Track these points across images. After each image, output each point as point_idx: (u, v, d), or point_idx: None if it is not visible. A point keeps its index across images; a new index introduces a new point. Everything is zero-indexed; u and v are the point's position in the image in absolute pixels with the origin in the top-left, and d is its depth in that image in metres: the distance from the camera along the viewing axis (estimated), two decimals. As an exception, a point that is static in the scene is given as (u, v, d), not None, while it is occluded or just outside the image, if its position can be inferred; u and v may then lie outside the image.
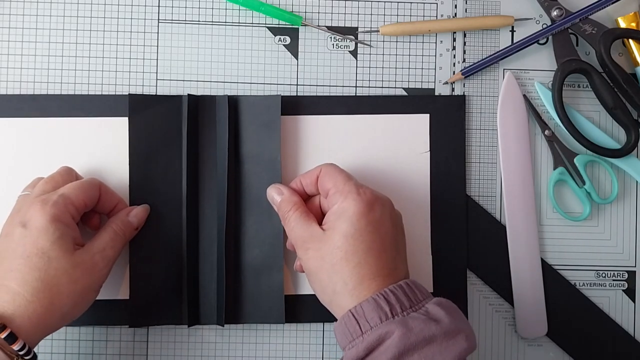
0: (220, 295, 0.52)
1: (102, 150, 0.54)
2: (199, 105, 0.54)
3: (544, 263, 0.56)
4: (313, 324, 0.55)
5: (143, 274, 0.53)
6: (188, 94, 0.53)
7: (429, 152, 0.55)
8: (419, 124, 0.55)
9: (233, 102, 0.54)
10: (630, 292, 0.56)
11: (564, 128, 0.55)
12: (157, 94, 0.55)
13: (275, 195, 0.50)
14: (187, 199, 0.53)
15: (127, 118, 0.53)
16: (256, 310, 0.53)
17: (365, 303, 0.43)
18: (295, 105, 0.55)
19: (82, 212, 0.49)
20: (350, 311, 0.43)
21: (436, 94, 0.56)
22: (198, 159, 0.54)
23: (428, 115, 0.55)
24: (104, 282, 0.48)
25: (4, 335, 0.42)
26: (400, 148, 0.55)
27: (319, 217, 0.49)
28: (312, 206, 0.50)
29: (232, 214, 0.53)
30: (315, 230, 0.46)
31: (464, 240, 0.55)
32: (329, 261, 0.45)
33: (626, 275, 0.56)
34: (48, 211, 0.45)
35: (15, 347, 0.42)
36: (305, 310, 0.54)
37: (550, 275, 0.56)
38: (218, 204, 0.53)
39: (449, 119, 0.55)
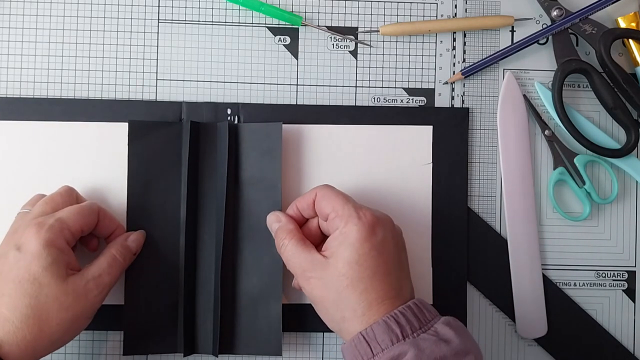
0: (215, 325, 0.52)
1: (104, 155, 0.54)
2: (199, 131, 0.53)
3: (543, 268, 0.56)
4: (312, 335, 0.54)
5: (139, 300, 0.52)
6: (190, 121, 0.52)
7: (431, 164, 0.55)
8: (422, 135, 0.55)
9: (233, 128, 0.53)
10: (630, 292, 0.56)
11: (564, 128, 0.55)
12: (157, 94, 0.55)
13: (274, 222, 0.50)
14: (185, 226, 0.52)
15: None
16: (253, 341, 0.52)
17: (375, 325, 0.42)
18: (297, 114, 0.55)
19: (78, 237, 0.48)
20: (361, 333, 0.43)
21: (436, 93, 0.56)
22: (197, 186, 0.53)
23: (431, 127, 0.55)
24: (97, 309, 0.48)
25: None
26: (402, 159, 0.55)
27: (318, 239, 0.48)
28: (310, 229, 0.49)
29: (230, 241, 0.52)
30: (316, 258, 0.45)
31: (465, 252, 0.55)
32: (334, 290, 0.44)
33: (626, 275, 0.56)
34: (43, 236, 0.45)
35: None
36: (304, 319, 0.53)
37: (551, 284, 0.56)
38: (216, 231, 0.53)
39: (452, 131, 0.55)
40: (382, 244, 0.45)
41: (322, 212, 0.47)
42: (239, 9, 0.56)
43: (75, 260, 0.47)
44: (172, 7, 0.56)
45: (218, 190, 0.53)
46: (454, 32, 0.57)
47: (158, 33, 0.56)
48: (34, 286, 0.44)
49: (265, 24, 0.56)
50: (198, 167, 0.53)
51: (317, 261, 0.45)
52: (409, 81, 0.56)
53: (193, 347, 0.52)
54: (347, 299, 0.44)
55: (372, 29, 0.56)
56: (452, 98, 0.57)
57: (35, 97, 0.55)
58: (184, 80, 0.55)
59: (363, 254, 0.44)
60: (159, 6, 0.56)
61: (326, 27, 0.56)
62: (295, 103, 0.56)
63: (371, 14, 0.57)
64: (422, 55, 0.57)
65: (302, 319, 0.54)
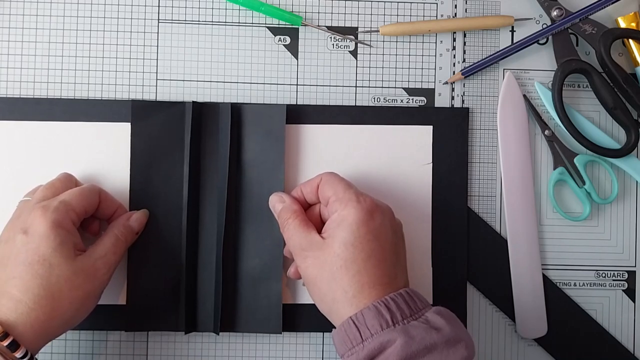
0: (217, 303, 0.52)
1: (105, 155, 0.54)
2: (202, 112, 0.54)
3: (543, 268, 0.56)
4: (312, 335, 0.55)
5: (141, 279, 0.53)
6: (192, 102, 0.53)
7: (431, 164, 0.55)
8: (422, 135, 0.55)
9: (236, 110, 0.54)
10: (630, 292, 0.56)
11: (564, 128, 0.55)
12: (158, 94, 0.55)
13: (277, 203, 0.50)
14: (187, 206, 0.53)
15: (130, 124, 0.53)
16: (253, 320, 0.53)
17: (366, 310, 0.43)
18: (298, 114, 0.55)
19: (82, 218, 0.49)
20: (351, 318, 0.43)
21: (436, 93, 0.56)
22: (200, 167, 0.54)
23: (431, 127, 0.55)
24: (105, 287, 0.49)
25: (6, 343, 0.42)
26: (402, 159, 0.55)
27: (319, 225, 0.48)
28: (312, 215, 0.50)
29: (232, 222, 0.53)
30: (315, 238, 0.46)
31: (465, 252, 0.55)
32: (329, 269, 0.44)
33: (626, 275, 0.56)
34: (49, 217, 0.45)
35: (18, 354, 0.42)
36: (304, 319, 0.54)
37: (551, 284, 0.56)
38: (218, 211, 0.53)
39: (452, 131, 0.55)
40: (380, 230, 0.45)
41: (324, 196, 0.48)
42: (239, 9, 0.56)
43: (81, 241, 0.48)
44: (172, 7, 0.56)
45: (220, 171, 0.53)
46: (454, 32, 0.57)
47: (158, 33, 0.56)
48: (44, 267, 0.44)
49: (265, 24, 0.56)
50: (200, 147, 0.54)
51: (315, 241, 0.46)
52: (409, 81, 0.56)
53: (194, 325, 0.53)
54: (339, 280, 0.44)
55: (372, 29, 0.56)
56: (452, 98, 0.57)
57: (35, 97, 0.55)
58: (184, 80, 0.55)
59: (359, 237, 0.44)
60: (159, 6, 0.56)
61: (326, 27, 0.56)
62: (295, 103, 0.56)
63: (371, 14, 0.57)
64: (422, 55, 0.57)
65: (302, 319, 0.54)
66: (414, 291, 0.45)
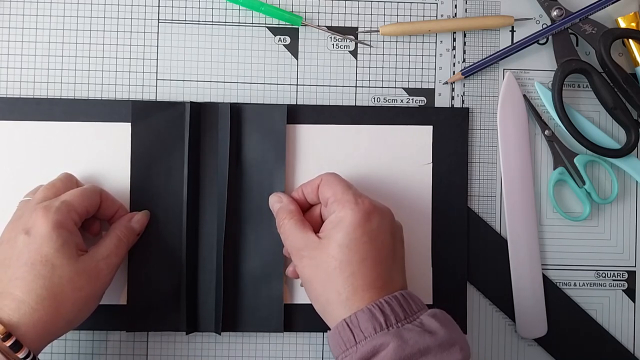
0: (218, 303, 0.52)
1: (105, 155, 0.54)
2: (201, 112, 0.54)
3: (543, 268, 0.56)
4: (312, 335, 0.55)
5: (141, 279, 0.53)
6: (190, 102, 0.53)
7: (431, 164, 0.55)
8: (422, 135, 0.55)
9: (237, 110, 0.54)
10: (630, 292, 0.56)
11: (564, 128, 0.55)
12: (158, 94, 0.55)
13: (275, 203, 0.51)
14: (187, 206, 0.53)
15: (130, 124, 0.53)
16: (255, 319, 0.53)
17: (360, 313, 0.43)
18: (298, 114, 0.55)
19: (83, 218, 0.49)
20: (345, 320, 0.43)
21: (436, 93, 0.56)
22: (199, 167, 0.54)
23: (431, 127, 0.55)
24: (107, 288, 0.49)
25: (9, 343, 0.42)
26: (402, 159, 0.55)
27: (318, 226, 0.48)
28: (313, 215, 0.50)
29: (232, 222, 0.53)
30: (311, 238, 0.46)
31: (465, 252, 0.55)
32: (324, 270, 0.45)
33: (626, 275, 0.57)
34: (51, 218, 0.45)
35: (20, 355, 0.42)
36: (304, 319, 0.54)
37: (551, 284, 0.56)
38: (218, 211, 0.53)
39: (452, 132, 0.55)
40: (377, 233, 0.45)
41: (323, 197, 0.48)
42: (239, 9, 0.56)
43: (83, 242, 0.48)
44: (172, 7, 0.56)
45: (219, 171, 0.53)
46: (454, 32, 0.57)
47: (158, 33, 0.56)
48: (47, 268, 0.44)
49: (265, 24, 0.56)
50: (200, 147, 0.54)
51: (311, 241, 0.46)
52: (409, 81, 0.56)
53: (195, 326, 0.53)
54: (334, 281, 0.44)
55: (372, 29, 0.56)
56: (452, 98, 0.57)
57: (35, 97, 0.55)
58: (184, 80, 0.55)
59: (354, 239, 0.44)
60: (159, 6, 0.56)
61: (326, 27, 0.56)
62: (295, 103, 0.56)
63: (371, 14, 0.57)
64: (422, 55, 0.57)
65: (302, 319, 0.54)
66: (409, 294, 0.45)
